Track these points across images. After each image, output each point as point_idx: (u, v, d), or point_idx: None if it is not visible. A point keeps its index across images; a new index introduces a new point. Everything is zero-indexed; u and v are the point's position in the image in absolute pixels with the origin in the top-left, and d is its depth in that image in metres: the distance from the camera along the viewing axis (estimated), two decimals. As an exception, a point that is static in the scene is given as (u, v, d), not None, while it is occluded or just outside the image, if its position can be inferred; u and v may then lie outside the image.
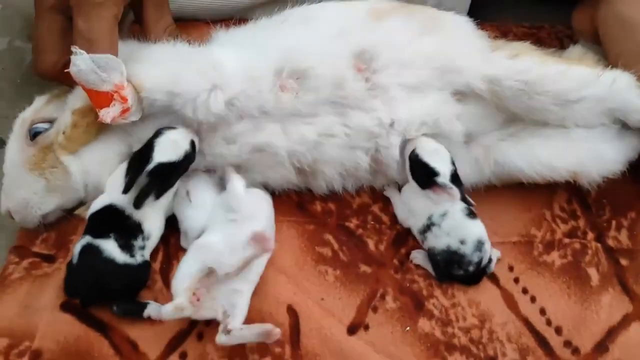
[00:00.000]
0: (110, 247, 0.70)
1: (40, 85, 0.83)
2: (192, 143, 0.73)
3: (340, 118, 0.76)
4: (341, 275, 0.76)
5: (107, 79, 0.67)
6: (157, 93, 0.71)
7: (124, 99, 0.69)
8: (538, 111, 0.77)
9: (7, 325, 0.70)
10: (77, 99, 0.75)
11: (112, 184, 0.74)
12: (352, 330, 0.72)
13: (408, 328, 0.72)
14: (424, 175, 0.75)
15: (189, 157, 0.72)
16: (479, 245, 0.73)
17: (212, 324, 0.69)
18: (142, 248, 0.73)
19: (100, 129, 0.75)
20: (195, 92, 0.72)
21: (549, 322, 0.73)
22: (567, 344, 0.71)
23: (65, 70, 0.67)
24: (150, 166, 0.70)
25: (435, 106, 0.77)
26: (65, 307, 0.70)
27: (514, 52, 0.78)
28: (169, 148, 0.71)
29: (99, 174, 0.75)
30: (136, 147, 0.75)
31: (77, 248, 0.70)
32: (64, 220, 0.78)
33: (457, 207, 0.75)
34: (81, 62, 0.66)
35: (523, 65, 0.76)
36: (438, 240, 0.74)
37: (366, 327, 0.72)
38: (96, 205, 0.73)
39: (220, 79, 0.73)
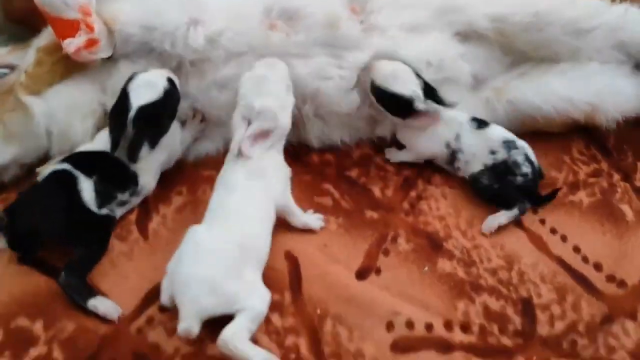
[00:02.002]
0: (85, 186, 0.61)
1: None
2: (170, 80, 0.66)
3: (335, 60, 0.71)
4: (345, 223, 0.66)
5: (72, 3, 0.63)
6: (133, 27, 0.66)
7: (90, 28, 0.64)
8: (549, 44, 0.72)
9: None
10: (42, 38, 0.70)
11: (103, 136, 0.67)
12: (361, 275, 0.62)
13: (426, 268, 0.62)
14: (397, 107, 0.68)
15: (171, 94, 0.65)
16: (510, 145, 0.67)
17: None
18: (123, 204, 0.64)
19: (68, 70, 0.68)
20: (173, 25, 0.67)
21: (585, 259, 0.64)
22: (611, 278, 0.62)
23: None
24: (132, 113, 0.62)
25: (437, 46, 0.72)
26: (23, 259, 0.60)
27: None
28: (146, 89, 0.64)
29: (67, 120, 0.68)
30: (110, 98, 0.67)
31: (46, 170, 0.62)
32: (23, 182, 0.69)
33: (464, 125, 0.68)
34: None
35: (526, 2, 0.72)
36: (472, 165, 0.67)
37: (377, 271, 0.62)
38: (91, 145, 0.66)
39: (201, 13, 0.68)
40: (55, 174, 0.61)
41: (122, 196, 0.64)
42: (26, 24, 0.72)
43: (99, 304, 0.56)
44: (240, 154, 0.60)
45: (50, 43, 0.67)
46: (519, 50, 0.74)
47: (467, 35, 0.74)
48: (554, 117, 0.72)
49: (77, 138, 0.68)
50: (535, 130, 0.74)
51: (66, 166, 0.62)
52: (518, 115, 0.73)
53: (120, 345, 0.54)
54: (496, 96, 0.74)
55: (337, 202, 0.69)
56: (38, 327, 0.55)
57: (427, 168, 0.72)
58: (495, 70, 0.75)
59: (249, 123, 0.61)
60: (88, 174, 0.62)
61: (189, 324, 0.50)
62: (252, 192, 0.59)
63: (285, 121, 0.63)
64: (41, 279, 0.58)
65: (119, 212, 0.64)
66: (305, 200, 0.68)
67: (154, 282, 0.59)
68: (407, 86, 0.67)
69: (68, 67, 0.68)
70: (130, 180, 0.65)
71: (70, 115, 0.68)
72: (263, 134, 0.61)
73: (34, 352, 0.53)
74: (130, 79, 0.65)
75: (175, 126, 0.67)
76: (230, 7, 0.70)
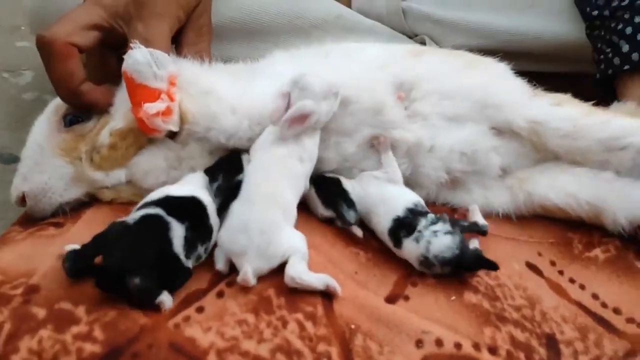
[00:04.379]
0: (178, 233, 0.60)
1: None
2: None
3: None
4: (374, 258, 0.70)
5: (161, 75, 0.68)
6: (196, 127, 0.72)
7: (171, 98, 0.69)
8: (581, 152, 0.76)
9: (3, 266, 0.61)
10: (117, 120, 0.72)
11: (194, 180, 0.70)
12: (390, 300, 0.64)
13: (453, 298, 0.64)
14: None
15: None
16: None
17: (234, 285, 0.62)
18: (198, 258, 0.63)
19: (137, 151, 0.73)
20: (232, 128, 0.73)
21: (604, 305, 0.67)
22: (630, 320, 0.64)
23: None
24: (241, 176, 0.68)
25: (473, 138, 0.78)
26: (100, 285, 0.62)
27: (556, 100, 0.79)
28: None
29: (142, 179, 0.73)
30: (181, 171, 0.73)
31: (138, 212, 0.61)
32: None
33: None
34: (139, 54, 0.67)
35: (567, 113, 0.77)
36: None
37: (406, 298, 0.64)
38: (176, 191, 0.66)
39: (261, 120, 0.73)
40: (147, 218, 0.60)
41: (200, 249, 0.62)
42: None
43: (165, 299, 0.58)
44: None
45: (125, 127, 0.71)
46: (550, 150, 0.78)
47: (501, 130, 0.79)
48: (564, 209, 0.77)
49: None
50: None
51: (158, 211, 0.61)
52: (534, 206, 0.78)
53: (158, 335, 0.55)
54: (519, 186, 0.79)
55: (367, 239, 0.72)
56: (81, 310, 0.56)
57: (453, 213, 0.77)
58: (524, 164, 0.81)
59: (289, 99, 0.67)
60: (181, 220, 0.61)
61: (248, 277, 0.57)
62: (292, 168, 0.67)
63: (323, 110, 0.69)
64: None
65: (193, 264, 0.63)
66: (339, 233, 0.72)
67: (190, 289, 0.61)
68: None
69: (139, 148, 0.73)
70: (209, 234, 0.64)
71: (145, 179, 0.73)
72: (301, 118, 0.67)
73: (75, 329, 0.54)
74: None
75: None
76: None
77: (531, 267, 0.72)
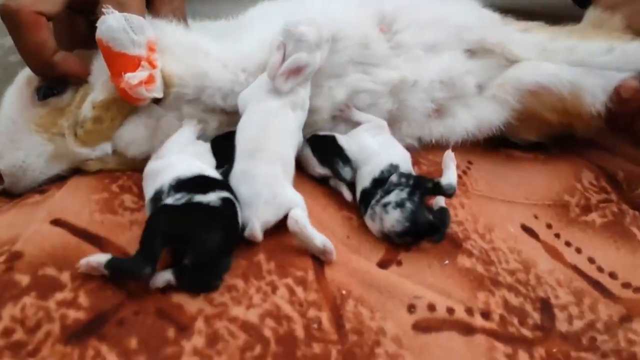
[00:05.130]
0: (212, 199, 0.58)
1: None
2: None
3: (367, 76, 0.76)
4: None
5: (138, 41, 0.64)
6: (187, 88, 0.69)
7: (152, 65, 0.65)
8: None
9: (-15, 233, 0.60)
10: (97, 91, 0.69)
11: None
12: (382, 265, 0.63)
13: (447, 262, 0.63)
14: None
15: None
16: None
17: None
18: None
19: (122, 121, 0.70)
20: (228, 84, 0.70)
21: (600, 269, 0.66)
22: (626, 285, 0.64)
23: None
24: None
25: (450, 64, 0.79)
26: (56, 222, 0.61)
27: (524, 27, 0.83)
28: None
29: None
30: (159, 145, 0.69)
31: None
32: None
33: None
34: (113, 19, 0.63)
35: (534, 39, 0.81)
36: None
37: (399, 263, 0.63)
38: (183, 171, 0.62)
39: (258, 70, 0.71)
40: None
41: None
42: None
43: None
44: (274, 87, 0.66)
45: (108, 98, 0.67)
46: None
47: (474, 51, 0.81)
48: (550, 89, 0.78)
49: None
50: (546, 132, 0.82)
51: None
52: (524, 96, 0.80)
53: (145, 301, 0.54)
54: (503, 89, 0.80)
55: (360, 204, 0.71)
56: (65, 276, 0.55)
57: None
58: (499, 74, 0.82)
59: (285, 51, 0.66)
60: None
61: (257, 232, 0.59)
62: (288, 120, 0.66)
63: (318, 60, 0.68)
64: (72, 238, 0.59)
65: None
66: (331, 196, 0.71)
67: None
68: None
69: (124, 118, 0.70)
70: None
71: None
72: (297, 70, 0.66)
73: (59, 295, 0.53)
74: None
75: None
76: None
77: (527, 229, 0.71)
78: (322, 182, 0.73)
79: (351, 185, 0.71)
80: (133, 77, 0.64)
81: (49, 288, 0.53)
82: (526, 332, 0.58)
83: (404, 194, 0.64)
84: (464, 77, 0.79)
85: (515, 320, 0.58)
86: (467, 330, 0.56)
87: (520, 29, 0.82)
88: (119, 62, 0.64)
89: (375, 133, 0.73)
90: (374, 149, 0.70)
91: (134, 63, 0.64)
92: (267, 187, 0.61)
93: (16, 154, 0.68)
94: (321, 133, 0.74)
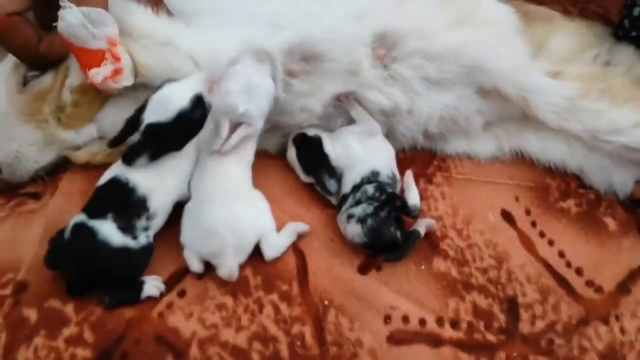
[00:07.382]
0: (106, 229, 0.60)
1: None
2: (196, 99, 0.63)
3: (359, 89, 0.72)
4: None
5: (99, 34, 0.62)
6: (153, 79, 0.67)
7: (116, 58, 0.64)
8: (568, 131, 0.73)
9: (-10, 257, 0.64)
10: (73, 76, 0.69)
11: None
12: (363, 269, 0.67)
13: (423, 267, 0.68)
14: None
15: (186, 115, 0.63)
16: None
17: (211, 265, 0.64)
18: (146, 229, 0.63)
19: (102, 104, 0.70)
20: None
21: (568, 264, 0.70)
22: (590, 283, 0.68)
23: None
24: (141, 127, 0.62)
25: (456, 102, 0.73)
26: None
27: (555, 67, 0.74)
28: (161, 106, 0.62)
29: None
30: None
31: (70, 223, 0.61)
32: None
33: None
34: (70, 15, 0.61)
35: (563, 92, 0.72)
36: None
37: (378, 268, 0.67)
38: (102, 178, 0.64)
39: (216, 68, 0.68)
40: (75, 229, 0.61)
41: (140, 223, 0.62)
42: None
43: (149, 291, 0.62)
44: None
45: (83, 83, 0.67)
46: (538, 119, 0.74)
47: (488, 92, 0.74)
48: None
49: None
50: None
51: (82, 218, 0.61)
52: (524, 155, 0.78)
53: (144, 327, 0.60)
54: (506, 136, 0.77)
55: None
56: (69, 309, 0.60)
57: (431, 167, 0.77)
58: (510, 120, 0.77)
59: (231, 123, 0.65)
60: (102, 216, 0.61)
61: (234, 274, 0.63)
62: (239, 157, 0.67)
63: (260, 127, 0.67)
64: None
65: (151, 234, 0.64)
66: (319, 200, 0.73)
67: (174, 268, 0.65)
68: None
69: (102, 101, 0.70)
70: (139, 206, 0.63)
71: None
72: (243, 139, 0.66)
73: (66, 331, 0.59)
74: (158, 87, 0.64)
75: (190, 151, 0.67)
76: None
77: (506, 216, 0.73)
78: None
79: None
80: (97, 75, 0.64)
81: (56, 324, 0.59)
82: (490, 337, 0.63)
83: (370, 209, 0.65)
84: (472, 117, 0.74)
85: (482, 325, 0.64)
86: (436, 342, 0.62)
87: (552, 71, 0.73)
88: (83, 57, 0.64)
89: (363, 138, 0.71)
90: (360, 155, 0.70)
91: (97, 56, 0.64)
92: (233, 233, 0.62)
93: (11, 145, 0.70)
94: (308, 133, 0.73)
